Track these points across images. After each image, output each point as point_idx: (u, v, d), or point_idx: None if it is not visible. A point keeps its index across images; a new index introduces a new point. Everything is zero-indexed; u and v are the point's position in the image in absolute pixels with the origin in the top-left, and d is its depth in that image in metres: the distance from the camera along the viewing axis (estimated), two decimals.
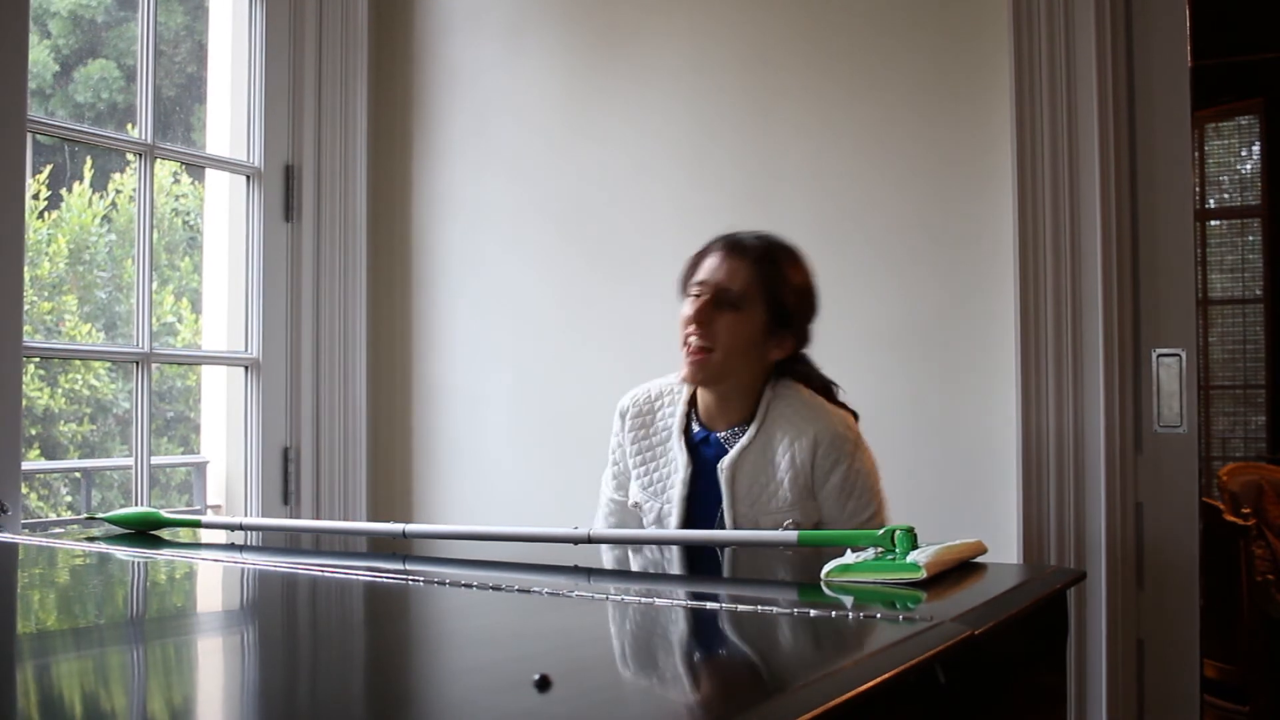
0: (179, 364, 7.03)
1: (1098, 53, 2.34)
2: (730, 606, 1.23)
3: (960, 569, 1.44)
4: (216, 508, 3.31)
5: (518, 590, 1.31)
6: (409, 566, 1.62)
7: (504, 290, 2.95)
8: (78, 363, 7.01)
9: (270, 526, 2.30)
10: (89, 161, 7.18)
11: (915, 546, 1.37)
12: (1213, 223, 6.00)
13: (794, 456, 1.92)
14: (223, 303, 3.19)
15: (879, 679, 0.90)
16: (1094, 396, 2.34)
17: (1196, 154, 5.84)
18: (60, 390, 6.94)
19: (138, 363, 2.69)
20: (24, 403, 2.42)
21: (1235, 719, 3.58)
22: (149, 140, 2.71)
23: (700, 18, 2.77)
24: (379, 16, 3.07)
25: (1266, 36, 5.16)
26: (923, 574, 1.30)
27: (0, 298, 2.27)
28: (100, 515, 1.91)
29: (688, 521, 1.97)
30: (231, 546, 1.79)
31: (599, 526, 2.12)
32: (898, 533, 1.37)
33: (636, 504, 2.05)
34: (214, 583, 1.53)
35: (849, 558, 1.36)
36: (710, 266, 1.93)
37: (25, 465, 2.68)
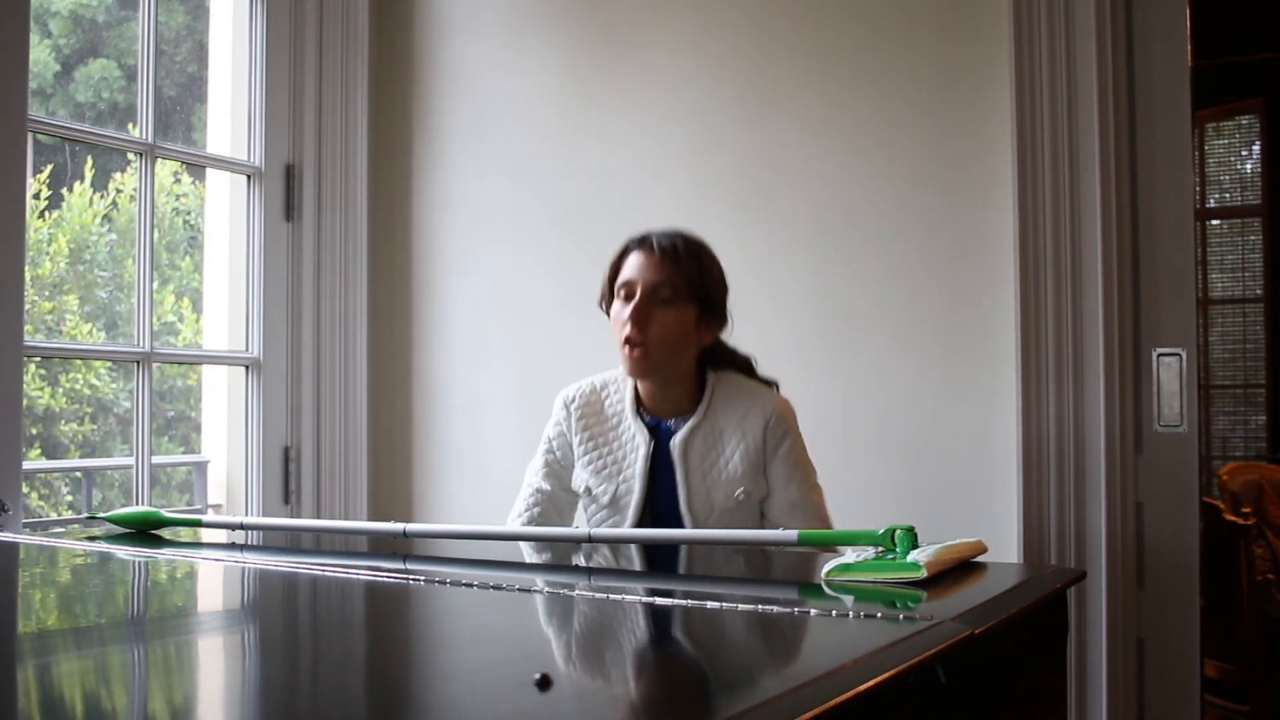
0: (180, 363, 7.03)
1: (1098, 53, 2.34)
2: (731, 606, 1.23)
3: (960, 568, 1.44)
4: (217, 507, 3.31)
5: (518, 590, 1.31)
6: (409, 566, 1.62)
7: (504, 289, 2.95)
8: (78, 362, 7.02)
9: (271, 526, 2.30)
10: (90, 161, 7.18)
11: (915, 546, 1.37)
12: (1213, 222, 6.00)
13: (744, 433, 2.03)
14: (223, 302, 3.20)
15: (879, 678, 0.91)
16: (1094, 396, 2.34)
17: (1197, 154, 5.83)
18: (61, 390, 6.94)
19: (138, 362, 2.69)
20: (25, 402, 2.42)
21: (1235, 718, 3.58)
22: (150, 140, 2.71)
23: (701, 17, 2.77)
24: (379, 16, 3.07)
25: (1266, 36, 5.16)
26: (923, 573, 1.30)
27: (1, 297, 2.27)
28: (101, 515, 1.91)
29: (647, 500, 2.04)
30: (232, 546, 1.79)
31: (517, 513, 2.16)
32: (898, 532, 1.37)
33: (588, 489, 2.09)
34: (215, 582, 1.53)
35: (849, 557, 1.36)
36: (637, 266, 2.03)
37: (26, 465, 2.69)
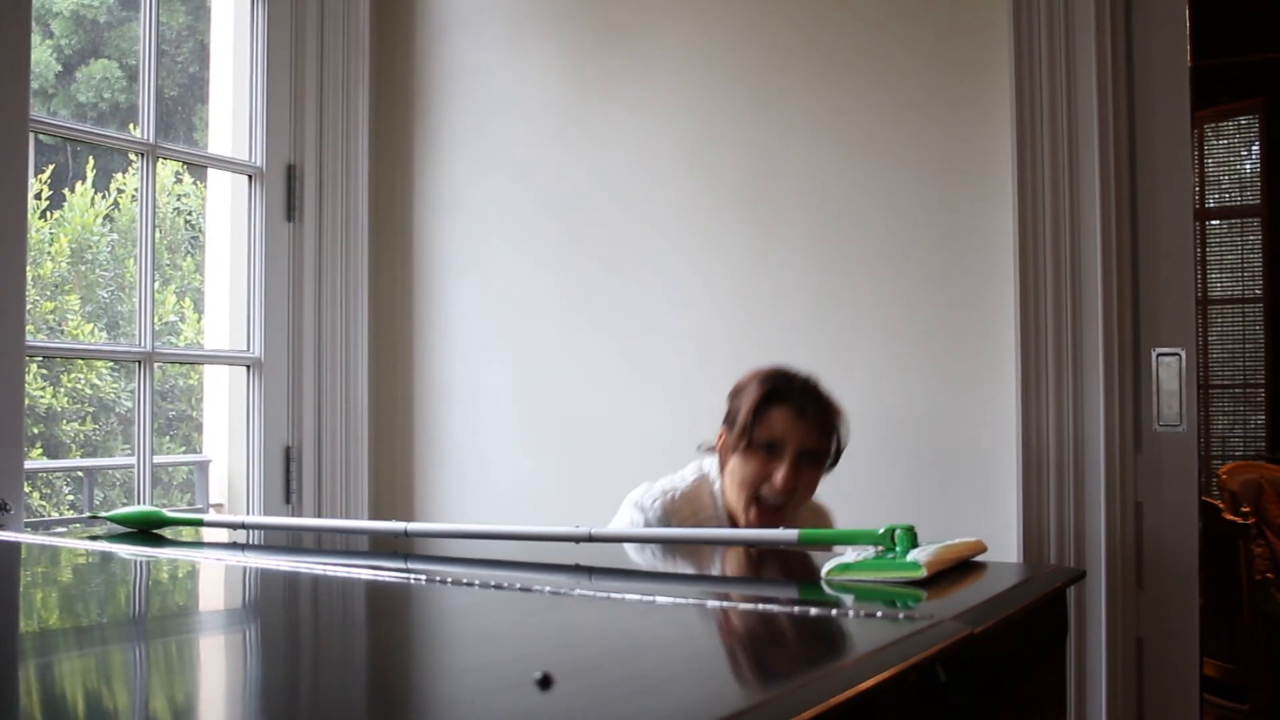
0: (181, 363, 7.04)
1: (1097, 53, 2.35)
2: (730, 605, 1.23)
3: (960, 568, 1.44)
4: (218, 507, 3.32)
5: (519, 589, 1.31)
6: (410, 565, 1.62)
7: (506, 289, 2.95)
8: (80, 362, 7.02)
9: (273, 525, 2.30)
10: (91, 161, 7.19)
11: (915, 545, 1.37)
12: (1212, 222, 6.01)
13: None
14: (225, 302, 3.20)
15: (879, 678, 0.91)
16: (1094, 396, 2.34)
17: (1196, 154, 5.84)
18: (62, 389, 6.95)
19: (140, 362, 2.70)
20: (26, 402, 2.43)
21: (1235, 717, 3.58)
22: (151, 140, 2.72)
23: (702, 17, 2.77)
24: (380, 16, 3.07)
25: (1266, 37, 5.17)
26: (923, 573, 1.31)
27: (2, 297, 2.28)
28: (103, 514, 1.91)
29: None
30: (233, 545, 1.79)
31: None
32: (898, 531, 1.37)
33: None
34: (215, 581, 1.53)
35: (849, 556, 1.36)
36: (784, 426, 2.02)
37: (28, 464, 2.69)
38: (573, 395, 2.87)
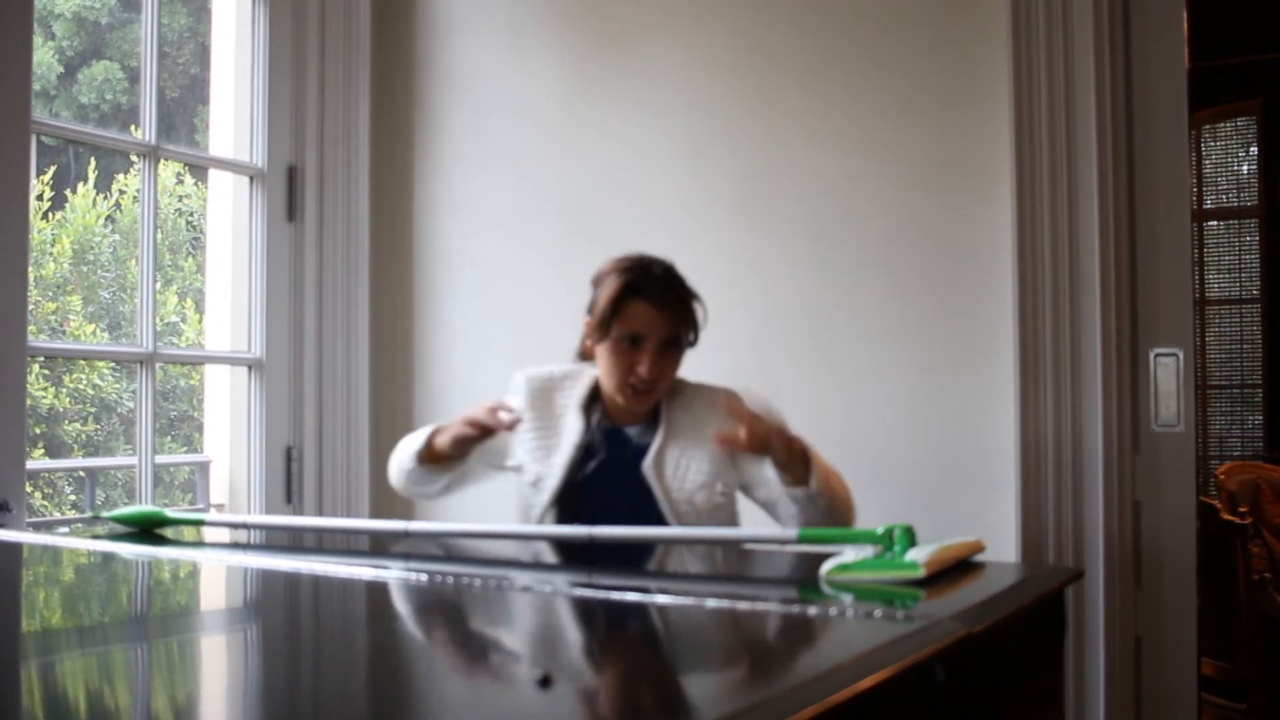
0: (182, 364, 7.04)
1: (1096, 54, 2.35)
2: (730, 605, 1.24)
3: (959, 567, 1.45)
4: (220, 506, 3.32)
5: (519, 589, 1.32)
6: (411, 565, 1.63)
7: (506, 289, 2.96)
8: (82, 362, 7.03)
9: (275, 525, 2.31)
10: (93, 162, 7.19)
11: (914, 545, 1.38)
12: (1210, 223, 6.01)
13: (703, 434, 2.05)
14: (226, 303, 3.21)
15: (878, 677, 0.91)
16: (1092, 396, 2.35)
17: (1194, 155, 5.84)
18: (64, 390, 6.95)
19: (141, 362, 2.70)
20: (28, 402, 2.43)
21: (1233, 717, 3.58)
22: (152, 141, 2.72)
23: (701, 15, 2.78)
24: (380, 17, 3.08)
25: (1264, 38, 5.17)
26: (922, 573, 1.31)
27: (4, 298, 2.28)
28: (105, 514, 1.92)
29: (574, 491, 2.09)
30: (235, 545, 1.80)
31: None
32: (896, 531, 1.38)
33: (520, 465, 2.15)
34: (217, 581, 1.54)
35: (848, 556, 1.37)
36: (646, 319, 2.06)
37: (29, 464, 2.70)
38: None
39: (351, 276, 3.01)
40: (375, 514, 2.98)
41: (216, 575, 1.57)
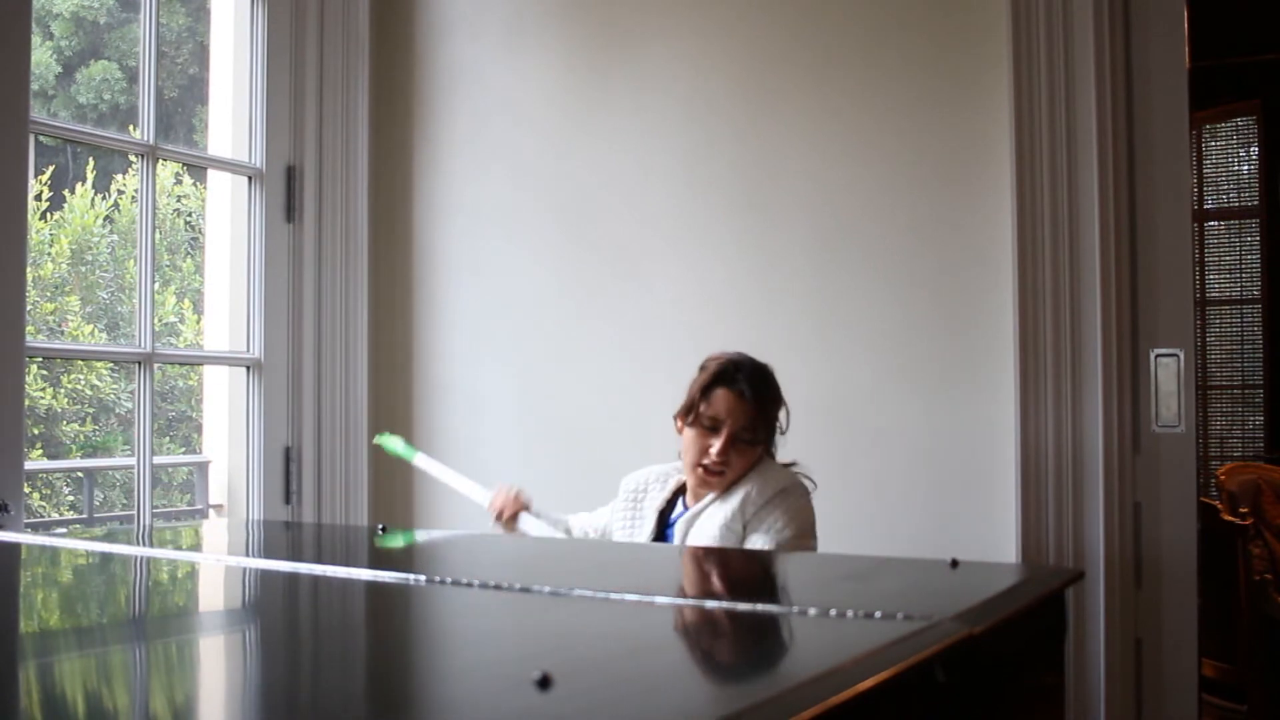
0: (181, 364, 7.04)
1: (1096, 54, 2.35)
2: (730, 606, 1.24)
3: (959, 568, 1.44)
4: (218, 507, 3.32)
5: (519, 589, 1.32)
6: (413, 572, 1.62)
7: (505, 289, 2.96)
8: (80, 363, 7.02)
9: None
10: (91, 163, 7.19)
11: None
12: (1210, 223, 6.01)
13: (727, 505, 2.19)
14: (224, 303, 3.20)
15: (878, 678, 0.91)
16: (1092, 396, 2.34)
17: (1194, 155, 5.84)
18: (63, 390, 6.95)
19: (140, 363, 2.70)
20: (26, 403, 2.43)
21: (1233, 718, 3.58)
22: (151, 141, 2.72)
23: (700, 19, 2.78)
24: (380, 17, 3.08)
25: (1264, 38, 5.17)
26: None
27: (3, 298, 2.28)
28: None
29: None
30: (234, 545, 1.79)
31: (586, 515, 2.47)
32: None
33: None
34: (216, 582, 1.54)
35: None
36: (727, 407, 2.21)
37: (28, 465, 2.69)
38: (571, 395, 2.87)
39: (350, 277, 3.00)
40: (374, 514, 2.98)
41: (215, 576, 1.56)
